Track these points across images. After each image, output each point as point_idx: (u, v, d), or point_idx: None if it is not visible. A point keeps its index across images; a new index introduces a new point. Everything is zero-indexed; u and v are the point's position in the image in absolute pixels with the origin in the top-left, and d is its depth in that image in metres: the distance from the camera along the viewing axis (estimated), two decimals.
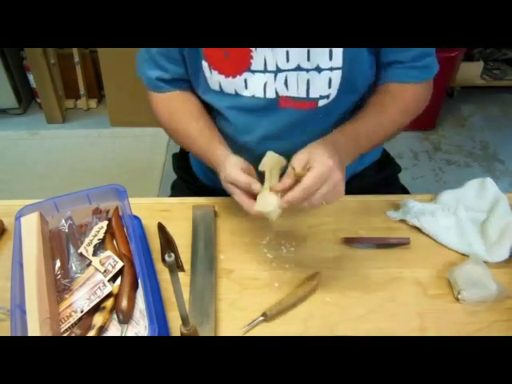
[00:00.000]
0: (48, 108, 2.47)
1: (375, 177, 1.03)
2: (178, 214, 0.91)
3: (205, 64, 0.80)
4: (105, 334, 0.69)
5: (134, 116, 2.29)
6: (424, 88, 0.86)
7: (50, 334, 0.64)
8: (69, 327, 0.68)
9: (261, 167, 0.76)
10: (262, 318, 0.73)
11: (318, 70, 0.77)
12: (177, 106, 0.89)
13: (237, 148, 0.86)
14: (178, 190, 1.11)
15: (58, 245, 0.79)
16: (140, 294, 0.72)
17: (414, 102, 0.85)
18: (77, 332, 0.68)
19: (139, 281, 0.71)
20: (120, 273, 0.73)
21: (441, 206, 0.88)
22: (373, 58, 0.82)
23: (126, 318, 0.69)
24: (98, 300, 0.70)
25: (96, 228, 0.80)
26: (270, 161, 0.76)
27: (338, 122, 0.80)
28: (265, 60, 0.77)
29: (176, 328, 0.65)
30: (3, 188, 2.12)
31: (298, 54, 0.76)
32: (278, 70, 0.78)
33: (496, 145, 2.35)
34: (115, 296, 0.71)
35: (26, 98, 2.58)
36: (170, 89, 0.89)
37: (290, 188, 0.68)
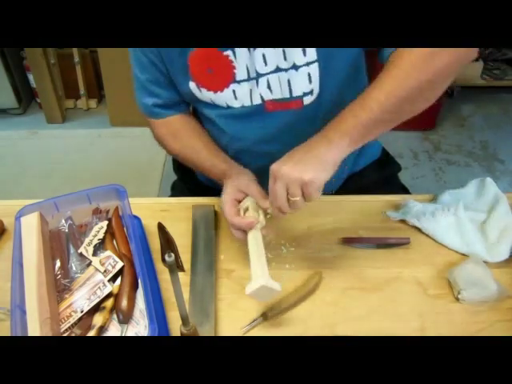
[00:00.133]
0: (48, 108, 2.47)
1: (375, 176, 1.03)
2: (177, 214, 0.91)
3: (192, 85, 0.82)
4: (105, 334, 0.69)
5: (134, 116, 2.28)
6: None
7: (49, 334, 0.64)
8: (69, 327, 0.68)
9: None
10: (261, 318, 0.73)
11: (295, 67, 0.77)
12: (177, 127, 0.90)
13: (232, 153, 0.87)
14: (177, 190, 1.12)
15: (57, 245, 0.79)
16: (140, 294, 0.72)
17: (429, 51, 0.65)
18: (77, 332, 0.68)
19: (139, 281, 0.71)
20: (120, 273, 0.73)
21: (441, 205, 0.88)
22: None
23: (126, 318, 0.69)
24: (98, 300, 0.70)
25: (96, 228, 0.80)
26: (246, 202, 0.77)
27: (327, 121, 0.74)
28: (247, 67, 0.78)
29: (176, 328, 0.65)
30: (3, 188, 2.12)
31: (274, 56, 0.76)
32: (259, 75, 0.78)
33: (496, 144, 2.35)
34: (115, 296, 0.71)
35: (26, 98, 2.58)
36: (167, 113, 0.90)
37: None
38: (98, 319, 0.69)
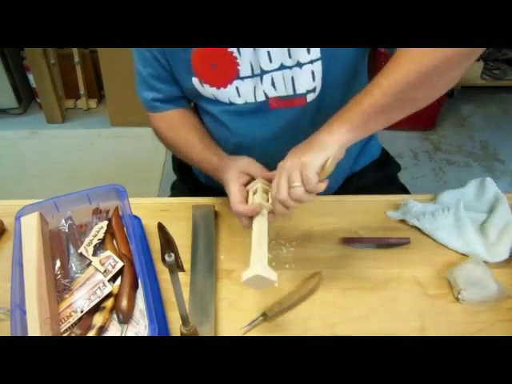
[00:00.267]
0: (48, 108, 2.47)
1: (375, 176, 1.03)
2: (177, 214, 0.91)
3: (195, 80, 0.81)
4: (105, 334, 0.69)
5: (134, 116, 2.29)
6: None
7: (49, 334, 0.64)
8: (69, 327, 0.68)
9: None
10: (261, 318, 0.73)
11: (299, 65, 0.76)
12: (174, 121, 0.90)
13: (233, 150, 0.87)
14: (177, 190, 1.12)
15: (58, 245, 0.79)
16: (140, 294, 0.72)
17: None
18: (77, 332, 0.68)
19: (139, 281, 0.71)
20: (120, 273, 0.73)
21: (441, 205, 0.88)
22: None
23: (126, 318, 0.69)
24: (98, 300, 0.70)
25: (96, 228, 0.80)
26: (256, 184, 0.76)
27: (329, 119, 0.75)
28: (251, 64, 0.78)
29: (176, 328, 0.65)
30: (3, 188, 2.12)
31: (279, 53, 0.76)
32: (263, 72, 0.78)
33: (496, 144, 2.35)
34: (115, 296, 0.71)
35: (26, 97, 2.58)
36: (166, 108, 0.90)
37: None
38: (97, 319, 0.69)
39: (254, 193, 0.75)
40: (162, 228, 0.87)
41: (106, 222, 0.81)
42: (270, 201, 0.73)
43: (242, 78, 0.79)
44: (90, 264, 0.75)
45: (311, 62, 0.76)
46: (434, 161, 2.27)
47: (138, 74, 0.88)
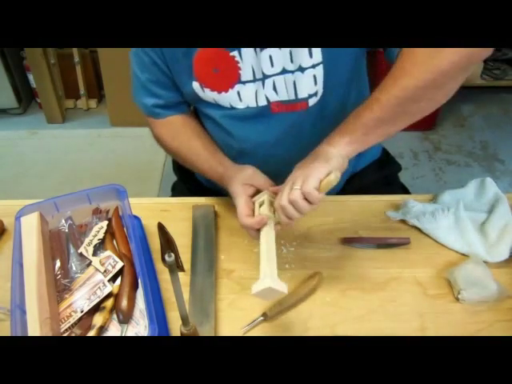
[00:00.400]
0: (48, 108, 2.47)
1: (375, 176, 1.03)
2: (177, 214, 0.91)
3: (196, 85, 0.81)
4: (105, 334, 0.69)
5: (134, 116, 2.28)
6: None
7: (50, 334, 0.64)
8: (69, 327, 0.68)
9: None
10: (261, 318, 0.73)
11: (301, 69, 0.76)
12: (177, 128, 0.90)
13: (235, 155, 0.87)
14: (178, 191, 1.12)
15: (57, 245, 0.79)
16: (140, 294, 0.72)
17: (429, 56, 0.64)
18: (77, 332, 0.68)
19: (139, 281, 0.71)
20: (120, 273, 0.73)
21: (441, 206, 0.88)
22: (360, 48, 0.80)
23: (126, 318, 0.69)
24: (98, 300, 0.70)
25: (96, 228, 0.80)
26: (263, 196, 0.76)
27: (330, 125, 0.75)
28: (253, 69, 0.77)
29: (176, 328, 0.65)
30: (3, 188, 2.12)
31: (281, 58, 0.76)
32: (265, 77, 0.78)
33: (496, 145, 2.35)
34: (115, 296, 0.71)
35: (26, 97, 2.58)
36: (167, 114, 0.89)
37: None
38: (97, 319, 0.69)
39: (261, 204, 0.75)
40: (162, 228, 0.87)
41: (105, 222, 0.81)
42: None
43: (244, 83, 0.79)
44: (89, 264, 0.75)
45: (313, 66, 0.76)
46: (434, 161, 2.27)
47: (135, 79, 0.87)
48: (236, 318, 0.74)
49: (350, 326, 0.73)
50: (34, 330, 0.63)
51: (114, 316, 0.70)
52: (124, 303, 0.69)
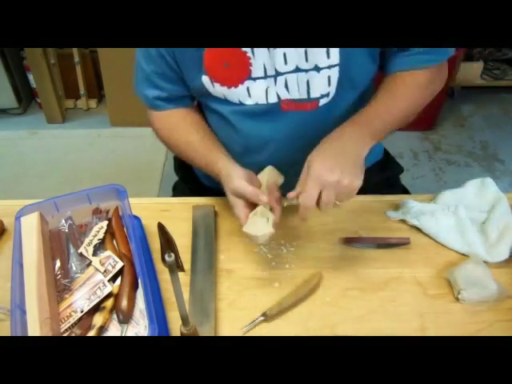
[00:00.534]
0: (48, 108, 2.47)
1: (377, 177, 1.03)
2: (178, 214, 0.91)
3: (206, 79, 0.80)
4: (105, 334, 0.69)
5: (134, 116, 2.29)
6: (438, 69, 0.81)
7: (50, 334, 0.64)
8: (69, 327, 0.68)
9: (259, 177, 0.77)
10: (261, 318, 0.73)
11: (317, 69, 0.76)
12: (176, 121, 0.89)
13: (240, 152, 0.86)
14: (179, 190, 1.11)
15: (57, 245, 0.79)
16: (140, 294, 0.72)
17: (427, 80, 0.80)
18: (77, 332, 0.68)
19: (139, 281, 0.71)
20: (120, 273, 0.73)
21: (441, 206, 0.88)
22: (373, 51, 0.80)
23: (126, 318, 0.69)
24: (98, 300, 0.70)
25: (96, 228, 0.80)
26: (268, 175, 0.77)
27: (338, 124, 0.77)
28: (264, 65, 0.77)
29: (176, 328, 0.65)
30: (3, 188, 2.12)
31: (295, 56, 0.76)
32: (278, 74, 0.78)
33: (496, 145, 2.35)
34: (115, 296, 0.71)
35: (26, 97, 2.58)
36: (168, 107, 0.89)
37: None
38: (97, 319, 0.69)
39: (254, 215, 0.75)
40: (162, 228, 0.87)
41: (105, 222, 0.81)
42: (270, 222, 0.72)
43: (254, 79, 0.79)
44: (89, 264, 0.75)
45: (329, 67, 0.76)
46: (434, 161, 2.28)
47: (140, 71, 0.86)
48: (236, 317, 0.74)
49: (350, 326, 0.73)
50: (34, 330, 0.63)
51: (114, 316, 0.70)
52: (124, 303, 0.69)
